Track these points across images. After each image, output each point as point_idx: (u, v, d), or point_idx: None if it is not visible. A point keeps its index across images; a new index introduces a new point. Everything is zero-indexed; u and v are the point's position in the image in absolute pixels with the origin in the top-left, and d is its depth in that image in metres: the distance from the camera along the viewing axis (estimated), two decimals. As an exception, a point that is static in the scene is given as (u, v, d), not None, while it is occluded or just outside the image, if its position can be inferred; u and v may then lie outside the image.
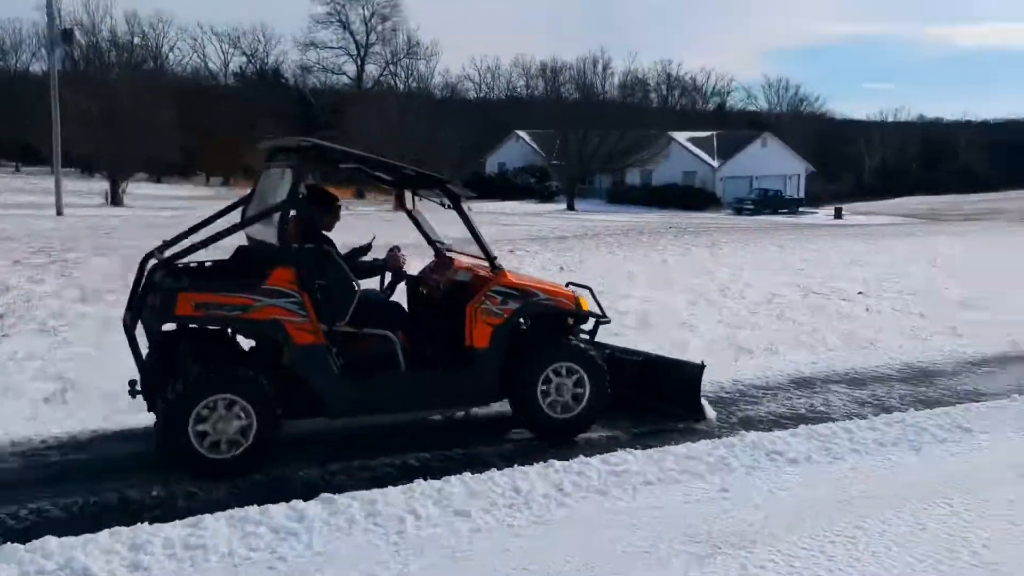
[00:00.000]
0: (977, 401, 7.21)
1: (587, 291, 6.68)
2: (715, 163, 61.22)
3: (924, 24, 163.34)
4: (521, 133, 66.29)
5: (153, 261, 5.80)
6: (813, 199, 63.10)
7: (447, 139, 48.06)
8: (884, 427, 6.25)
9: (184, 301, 5.28)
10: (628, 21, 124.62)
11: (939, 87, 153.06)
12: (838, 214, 53.06)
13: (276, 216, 5.47)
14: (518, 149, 65.89)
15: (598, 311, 6.55)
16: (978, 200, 72.43)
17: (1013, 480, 5.33)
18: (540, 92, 75.31)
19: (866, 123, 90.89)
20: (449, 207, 6.25)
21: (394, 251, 6.44)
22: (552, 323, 6.41)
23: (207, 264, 6.25)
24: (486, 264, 6.17)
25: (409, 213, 6.85)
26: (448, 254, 6.75)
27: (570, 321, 6.44)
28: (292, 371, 5.52)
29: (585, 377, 6.17)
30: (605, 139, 54.71)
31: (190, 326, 5.72)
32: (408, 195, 6.63)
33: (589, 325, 6.59)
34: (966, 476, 5.40)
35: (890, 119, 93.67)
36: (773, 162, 62.52)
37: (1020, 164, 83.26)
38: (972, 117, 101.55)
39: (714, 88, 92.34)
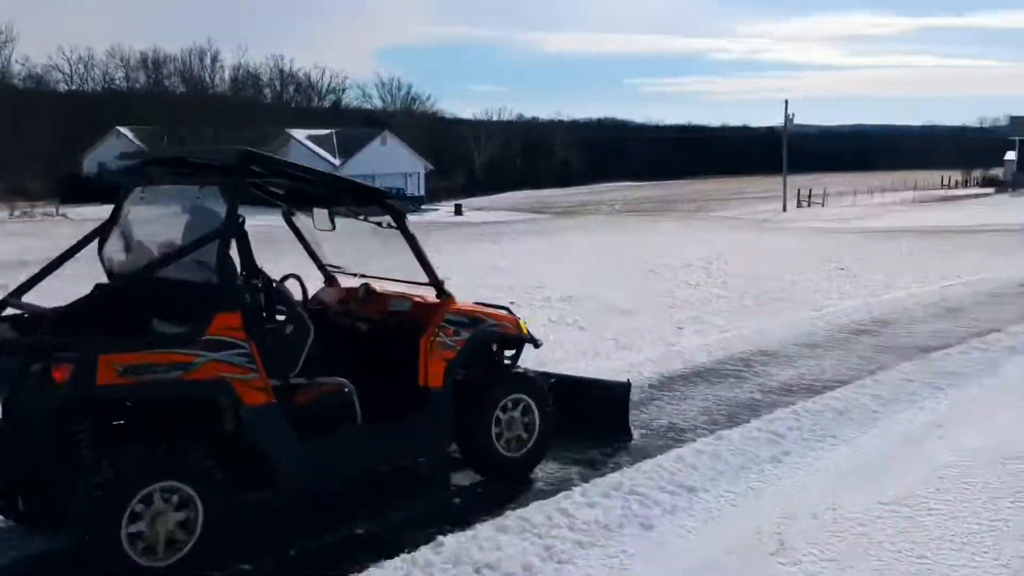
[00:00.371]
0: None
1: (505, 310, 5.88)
2: (336, 161, 60.20)
3: (516, 31, 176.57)
4: (123, 129, 60.14)
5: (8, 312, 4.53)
6: (432, 196, 64.75)
7: (33, 136, 41.88)
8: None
9: (106, 367, 3.97)
10: (235, 13, 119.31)
11: (534, 89, 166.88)
12: (458, 210, 55.01)
13: (209, 249, 4.42)
14: (120, 147, 59.57)
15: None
16: (574, 192, 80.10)
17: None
18: (142, 85, 69.02)
19: (474, 122, 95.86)
20: (390, 226, 5.36)
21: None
22: (488, 352, 5.79)
23: (52, 312, 4.66)
24: (417, 291, 5.56)
25: (296, 230, 5.98)
26: (363, 280, 5.78)
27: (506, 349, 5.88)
28: (235, 441, 4.48)
29: (533, 406, 5.64)
30: (219, 136, 51.46)
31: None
32: (320, 213, 5.30)
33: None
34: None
35: (495, 118, 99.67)
36: (394, 160, 63.03)
37: (608, 160, 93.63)
38: (564, 117, 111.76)
39: (329, 85, 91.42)
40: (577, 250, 19.46)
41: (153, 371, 4.08)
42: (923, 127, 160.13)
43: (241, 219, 4.53)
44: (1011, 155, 68.33)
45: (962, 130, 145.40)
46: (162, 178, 5.23)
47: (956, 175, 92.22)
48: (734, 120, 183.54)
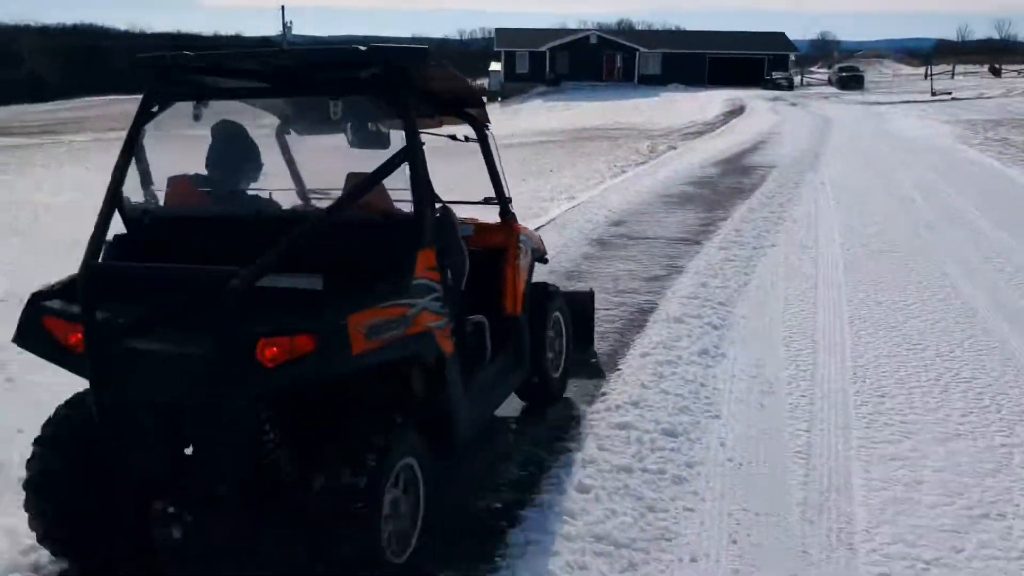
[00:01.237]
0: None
1: None
2: None
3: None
4: None
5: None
6: None
7: None
8: None
9: (356, 331, 3.07)
10: None
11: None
12: None
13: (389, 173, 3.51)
14: None
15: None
16: (50, 109, 68.65)
17: None
18: None
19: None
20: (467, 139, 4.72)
21: None
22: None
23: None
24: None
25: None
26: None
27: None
28: (426, 401, 3.68)
29: (562, 323, 5.41)
30: None
31: None
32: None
33: None
34: None
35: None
36: None
37: (89, 70, 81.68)
38: (31, 21, 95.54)
39: None
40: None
41: (388, 329, 3.26)
42: (410, 38, 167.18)
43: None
44: (496, 66, 72.92)
45: (445, 42, 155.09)
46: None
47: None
48: (228, 29, 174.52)
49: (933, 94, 51.78)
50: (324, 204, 3.93)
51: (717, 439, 4.82)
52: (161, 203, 3.91)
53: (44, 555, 3.61)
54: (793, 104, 46.07)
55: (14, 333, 3.45)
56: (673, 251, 9.59)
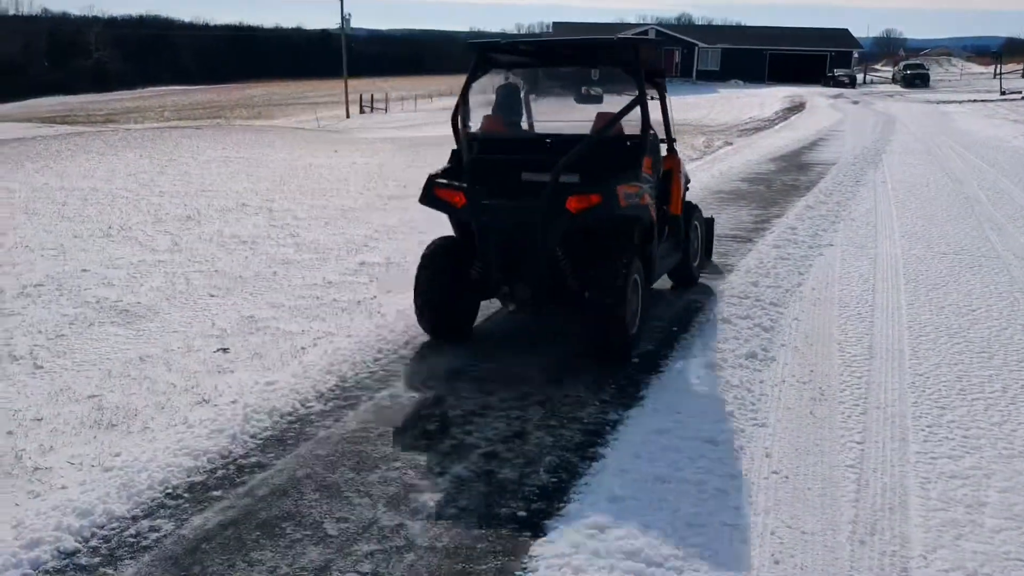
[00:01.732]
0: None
1: None
2: None
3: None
4: None
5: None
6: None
7: None
8: None
9: (620, 193, 5.54)
10: None
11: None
12: (-41, 123, 44.25)
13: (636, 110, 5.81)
14: None
15: None
16: (116, 98, 70.11)
17: None
18: None
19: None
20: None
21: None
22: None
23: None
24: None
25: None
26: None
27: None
28: (639, 249, 6.02)
29: (700, 231, 7.69)
30: None
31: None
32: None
33: None
34: None
35: (11, 12, 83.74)
36: None
37: (153, 62, 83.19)
38: (99, 13, 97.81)
39: None
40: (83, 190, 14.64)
41: (633, 197, 5.69)
42: (469, 32, 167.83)
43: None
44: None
45: (504, 35, 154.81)
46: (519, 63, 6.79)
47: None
48: (287, 22, 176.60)
49: (1002, 93, 50.13)
50: (581, 132, 6.13)
51: (762, 449, 4.51)
52: (477, 130, 6.42)
53: (45, 551, 3.47)
54: (855, 102, 44.92)
55: (420, 197, 5.94)
56: (723, 248, 9.23)
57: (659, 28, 70.95)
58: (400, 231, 10.08)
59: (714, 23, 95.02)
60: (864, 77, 70.28)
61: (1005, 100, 44.29)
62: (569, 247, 5.68)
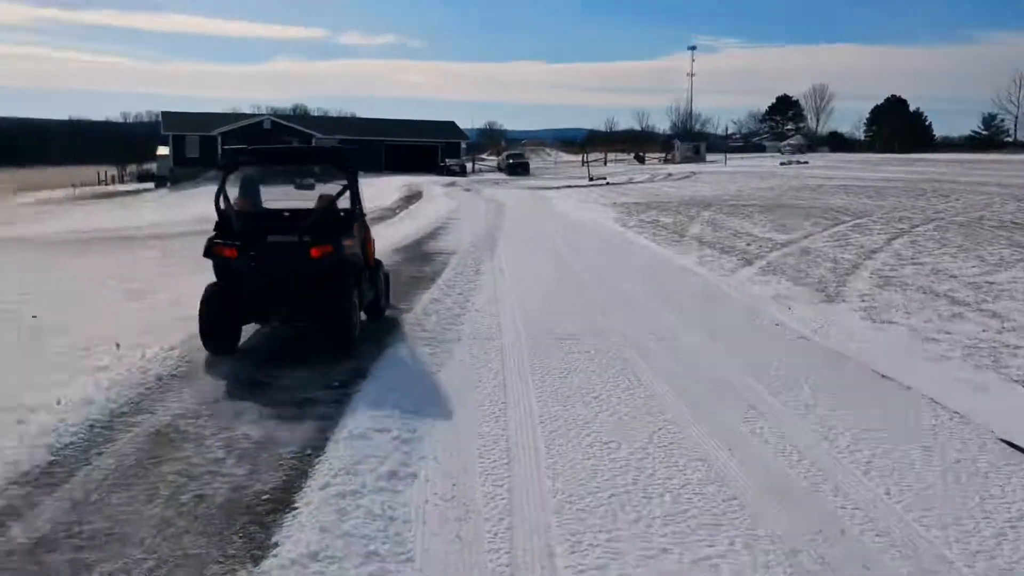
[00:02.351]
0: None
1: None
2: None
3: None
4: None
5: None
6: None
7: None
8: None
9: (344, 245, 8.87)
10: None
11: None
12: None
13: None
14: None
15: None
16: None
17: None
18: None
19: None
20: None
21: None
22: None
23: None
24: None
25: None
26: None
27: None
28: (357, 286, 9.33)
29: (384, 279, 11.10)
30: None
31: None
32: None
33: None
34: None
35: None
36: None
37: None
38: None
39: None
40: None
41: (351, 249, 8.84)
42: (68, 121, 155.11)
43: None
44: (164, 150, 69.11)
45: (108, 124, 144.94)
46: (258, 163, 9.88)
47: (112, 170, 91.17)
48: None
49: (590, 179, 56.49)
50: (308, 206, 8.96)
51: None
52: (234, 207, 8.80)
53: None
54: (467, 189, 47.91)
55: (203, 252, 8.54)
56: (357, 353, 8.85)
57: (275, 119, 70.72)
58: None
59: (330, 114, 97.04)
60: (473, 166, 75.71)
61: (594, 185, 49.95)
62: (310, 281, 8.38)
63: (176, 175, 65.28)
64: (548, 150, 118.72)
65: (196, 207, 46.32)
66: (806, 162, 67.63)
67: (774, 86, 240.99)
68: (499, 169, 74.82)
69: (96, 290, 12.58)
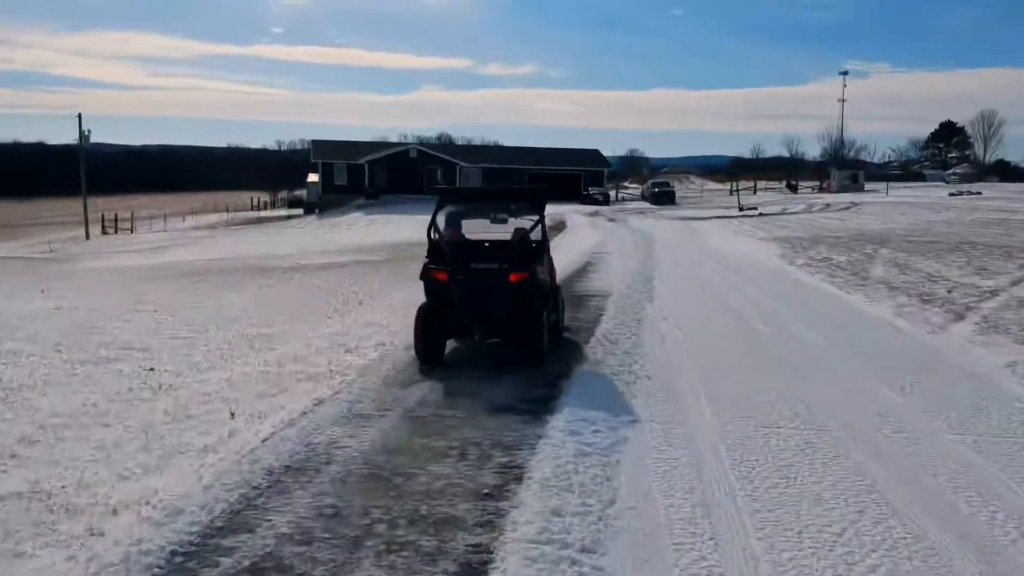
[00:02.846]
0: None
1: None
2: None
3: None
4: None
5: None
6: None
7: None
8: None
9: (536, 272, 9.85)
10: None
11: None
12: None
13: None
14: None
15: None
16: None
17: None
18: None
19: None
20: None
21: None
22: None
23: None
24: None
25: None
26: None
27: None
28: (548, 304, 10.55)
29: (563, 301, 12.38)
30: None
31: None
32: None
33: None
34: None
35: None
36: None
37: None
38: None
39: None
40: None
41: (542, 275, 9.82)
42: (227, 148, 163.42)
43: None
44: (314, 177, 70.73)
45: (263, 152, 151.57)
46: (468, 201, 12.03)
47: (264, 196, 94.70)
48: (27, 136, 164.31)
49: (740, 209, 53.75)
50: (504, 238, 10.22)
51: None
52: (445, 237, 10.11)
53: None
54: (612, 220, 46.23)
55: (420, 275, 9.78)
56: (505, 434, 7.30)
57: (420, 148, 71.36)
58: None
59: (474, 142, 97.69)
60: (616, 194, 74.01)
61: (745, 216, 47.30)
62: (508, 302, 9.33)
63: (324, 202, 66.54)
64: (692, 178, 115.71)
65: (341, 236, 46.74)
66: (979, 192, 62.28)
67: (930, 113, 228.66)
68: (643, 198, 72.75)
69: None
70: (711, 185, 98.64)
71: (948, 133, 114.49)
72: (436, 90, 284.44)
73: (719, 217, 47.06)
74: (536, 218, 9.97)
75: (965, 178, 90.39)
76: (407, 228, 51.71)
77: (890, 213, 42.54)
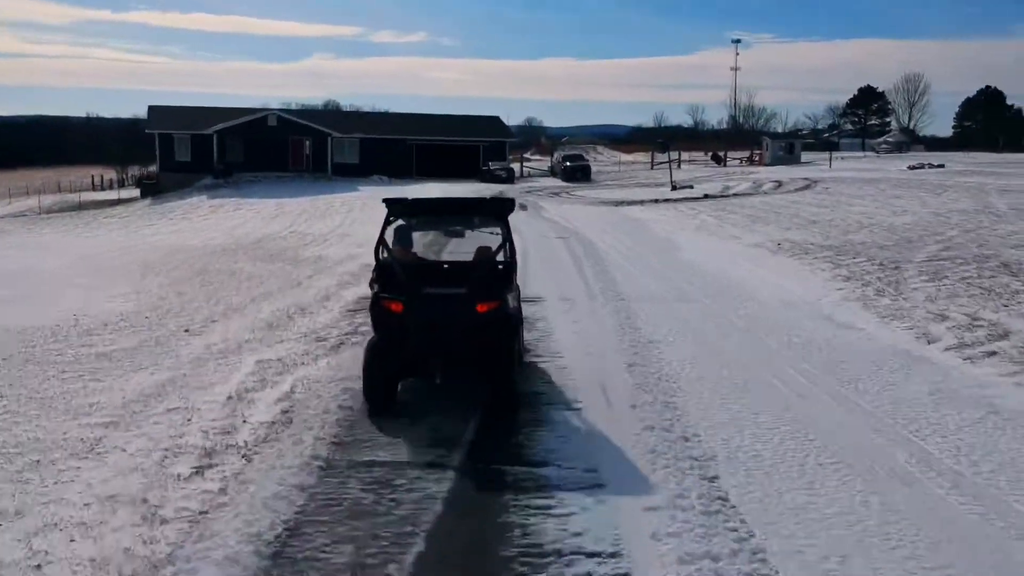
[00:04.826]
0: None
1: None
2: None
3: None
4: None
5: None
6: None
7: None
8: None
9: (508, 299, 8.53)
10: None
11: None
12: None
13: None
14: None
15: None
16: None
17: None
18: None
19: None
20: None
21: None
22: None
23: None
24: None
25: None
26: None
27: None
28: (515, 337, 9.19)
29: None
30: None
31: None
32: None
33: None
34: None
35: None
36: None
37: None
38: None
39: None
40: None
41: (513, 302, 8.64)
42: (86, 119, 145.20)
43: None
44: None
45: (136, 123, 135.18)
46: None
47: (112, 173, 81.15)
48: None
49: (674, 188, 43.83)
50: (464, 259, 8.76)
51: None
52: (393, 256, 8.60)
53: None
54: (523, 207, 35.27)
55: (370, 304, 8.33)
56: None
57: (282, 114, 58.25)
58: None
59: (363, 110, 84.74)
60: (521, 169, 62.74)
61: (687, 199, 37.21)
62: (476, 337, 7.94)
63: (164, 183, 53.52)
64: (600, 148, 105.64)
65: (162, 233, 34.69)
66: (941, 165, 53.77)
67: (817, 82, 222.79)
68: (552, 174, 61.81)
69: None
70: (624, 157, 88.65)
71: (868, 99, 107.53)
72: (327, 58, 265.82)
73: (656, 201, 36.82)
74: (496, 230, 8.80)
75: (897, 147, 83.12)
76: (260, 218, 39.83)
77: (880, 197, 32.97)
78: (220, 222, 39.21)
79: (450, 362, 7.97)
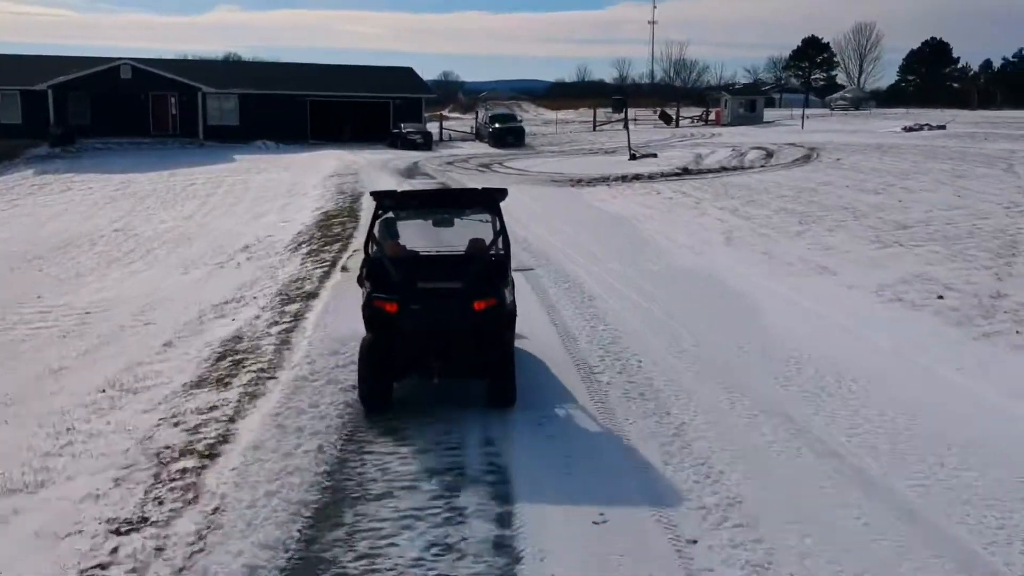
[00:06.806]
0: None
1: None
2: None
3: None
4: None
5: None
6: None
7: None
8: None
9: (505, 295, 8.25)
10: None
11: None
12: None
13: None
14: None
15: None
16: None
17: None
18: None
19: None
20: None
21: None
22: None
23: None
24: None
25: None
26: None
27: None
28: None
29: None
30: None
31: None
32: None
33: None
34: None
35: None
36: None
37: None
38: None
39: None
40: None
41: (510, 297, 8.31)
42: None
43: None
44: None
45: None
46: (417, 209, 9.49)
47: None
48: None
49: (633, 156, 34.74)
50: (457, 252, 8.62)
51: None
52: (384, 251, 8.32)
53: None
54: (442, 186, 25.58)
55: (363, 304, 7.98)
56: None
57: (138, 64, 46.49)
58: None
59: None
60: (440, 132, 52.55)
61: (664, 176, 28.04)
62: (474, 334, 7.73)
63: (-16, 152, 41.76)
64: (525, 105, 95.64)
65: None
66: (942, 127, 45.68)
67: (737, 36, 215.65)
68: (478, 136, 51.86)
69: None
70: (551, 115, 78.96)
71: (813, 50, 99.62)
72: (233, 10, 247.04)
73: (624, 179, 27.53)
74: (487, 218, 8.78)
75: (854, 103, 75.66)
76: (90, 202, 29.96)
77: (941, 176, 24.32)
78: (34, 209, 28.78)
79: (448, 362, 7.85)
